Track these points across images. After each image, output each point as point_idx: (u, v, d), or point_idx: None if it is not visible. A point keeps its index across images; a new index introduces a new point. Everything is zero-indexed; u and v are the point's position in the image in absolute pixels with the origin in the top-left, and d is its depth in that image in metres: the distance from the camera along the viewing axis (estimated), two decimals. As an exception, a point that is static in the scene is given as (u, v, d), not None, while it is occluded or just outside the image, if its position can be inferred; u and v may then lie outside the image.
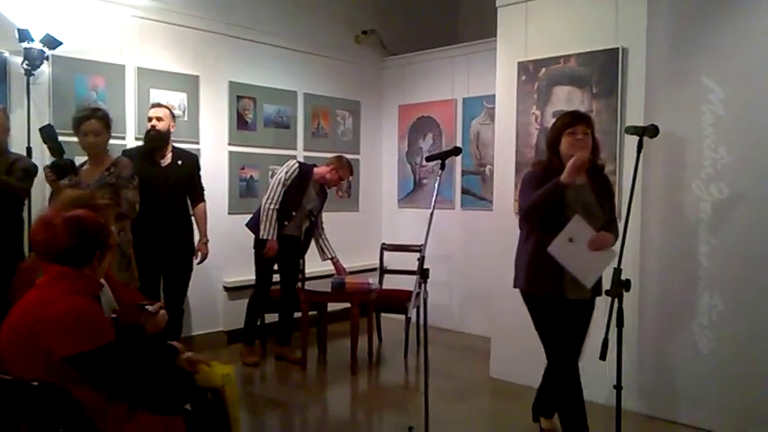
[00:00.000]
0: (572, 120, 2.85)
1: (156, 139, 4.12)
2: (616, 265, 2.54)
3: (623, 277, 2.55)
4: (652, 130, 2.65)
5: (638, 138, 2.72)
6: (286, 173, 4.55)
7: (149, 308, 2.46)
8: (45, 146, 3.59)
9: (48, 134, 3.52)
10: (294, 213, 4.58)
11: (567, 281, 2.85)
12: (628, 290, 2.56)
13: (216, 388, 2.34)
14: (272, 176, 4.96)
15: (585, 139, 2.82)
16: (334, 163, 4.70)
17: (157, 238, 4.04)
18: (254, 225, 4.62)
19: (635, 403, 3.60)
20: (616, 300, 2.54)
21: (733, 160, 3.32)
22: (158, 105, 4.24)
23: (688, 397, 3.47)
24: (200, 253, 4.33)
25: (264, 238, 4.47)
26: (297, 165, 4.62)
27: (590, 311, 3.01)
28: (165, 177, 4.11)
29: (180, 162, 4.22)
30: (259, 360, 4.68)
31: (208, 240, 4.37)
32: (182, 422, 2.14)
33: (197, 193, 4.38)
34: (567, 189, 2.74)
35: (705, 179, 3.39)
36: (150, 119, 4.12)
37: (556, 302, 2.89)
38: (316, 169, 4.69)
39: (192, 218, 4.35)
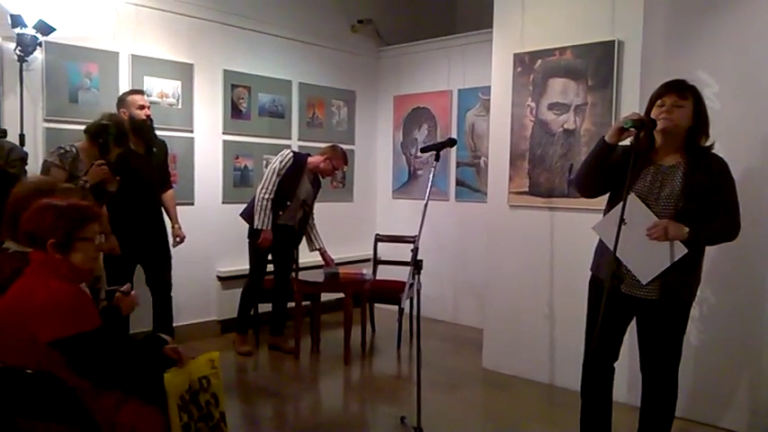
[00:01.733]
0: (663, 90, 2.53)
1: (152, 129, 4.07)
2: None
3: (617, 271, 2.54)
4: (650, 124, 2.62)
5: (635, 131, 2.70)
6: (280, 162, 4.54)
7: (122, 289, 2.47)
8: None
9: (108, 132, 3.55)
10: (288, 203, 4.58)
11: (624, 270, 2.57)
12: (621, 282, 2.56)
13: (206, 375, 2.35)
14: (266, 166, 4.95)
15: (675, 111, 2.48)
16: (328, 152, 4.69)
17: (140, 228, 3.98)
18: (248, 215, 4.61)
19: (625, 395, 3.62)
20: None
21: (728, 155, 3.30)
22: (143, 92, 4.15)
23: (681, 389, 3.48)
24: (177, 238, 4.26)
25: (259, 228, 4.47)
26: (291, 154, 4.61)
27: (660, 315, 2.59)
28: (146, 167, 4.04)
29: (155, 149, 4.13)
30: (252, 349, 4.69)
31: (180, 225, 4.30)
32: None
33: (167, 180, 4.31)
34: (611, 150, 2.50)
35: (699, 173, 3.39)
36: (143, 107, 4.00)
37: (611, 292, 2.49)
38: (310, 159, 4.68)
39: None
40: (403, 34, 6.31)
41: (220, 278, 5.10)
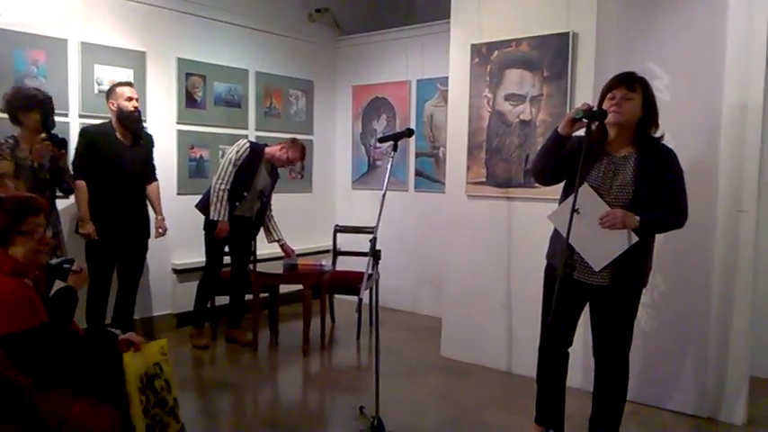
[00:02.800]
0: (613, 82, 2.61)
1: (140, 121, 4.12)
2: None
3: (569, 259, 2.59)
4: (601, 115, 2.67)
5: (587, 122, 2.75)
6: (237, 152, 4.47)
7: (73, 267, 2.43)
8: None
9: (51, 107, 3.61)
10: (245, 194, 4.52)
11: (577, 258, 2.67)
12: (575, 269, 2.61)
13: (158, 362, 2.34)
14: (222, 156, 4.88)
15: (625, 104, 2.56)
16: (285, 143, 4.65)
17: (121, 221, 4.04)
18: (203, 206, 4.54)
19: (580, 380, 3.70)
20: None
21: (677, 144, 3.38)
22: (132, 84, 4.19)
23: (631, 373, 3.58)
24: (160, 229, 4.33)
25: (215, 219, 4.40)
26: (248, 144, 4.55)
27: (611, 301, 2.69)
28: (132, 158, 4.09)
29: (142, 141, 4.18)
30: (209, 343, 4.62)
31: (164, 217, 4.37)
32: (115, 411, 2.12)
33: (152, 172, 4.36)
34: (564, 140, 2.58)
35: (650, 163, 3.48)
36: (131, 98, 4.02)
37: (564, 280, 2.56)
38: (267, 149, 4.63)
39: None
40: (361, 24, 6.27)
41: (176, 271, 5.00)
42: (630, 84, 2.58)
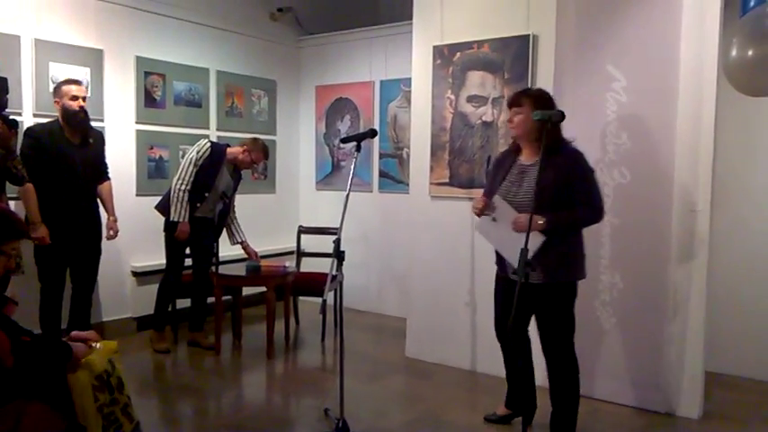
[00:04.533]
0: (507, 102, 3.00)
1: (86, 121, 3.97)
2: (522, 246, 2.61)
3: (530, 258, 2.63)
4: (557, 116, 2.73)
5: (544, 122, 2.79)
6: (197, 152, 4.40)
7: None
8: None
9: (2, 87, 3.50)
10: (207, 195, 4.45)
11: (507, 262, 2.94)
12: (534, 270, 2.65)
13: (112, 363, 2.31)
14: (182, 157, 4.79)
15: (515, 119, 2.93)
16: (248, 144, 4.58)
17: (73, 223, 3.93)
18: (163, 207, 4.45)
19: (542, 378, 3.75)
20: (523, 280, 2.60)
21: (633, 146, 3.49)
22: (79, 82, 4.04)
23: (592, 371, 3.65)
24: (111, 231, 4.20)
25: (175, 220, 4.33)
26: (209, 144, 4.48)
27: (547, 296, 2.90)
28: (82, 158, 3.97)
29: (91, 140, 4.06)
30: (170, 346, 4.54)
31: (116, 218, 4.24)
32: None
33: (104, 171, 4.25)
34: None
35: (608, 163, 3.55)
36: (76, 97, 3.89)
37: (503, 282, 3.03)
38: (229, 149, 4.56)
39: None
40: (324, 24, 6.24)
41: (135, 273, 4.90)
42: (517, 100, 2.94)
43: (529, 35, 3.84)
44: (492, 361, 4.04)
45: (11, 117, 3.54)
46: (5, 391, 1.94)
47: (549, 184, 2.77)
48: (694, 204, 3.36)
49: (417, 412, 3.53)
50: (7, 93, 3.50)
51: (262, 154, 4.62)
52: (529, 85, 3.83)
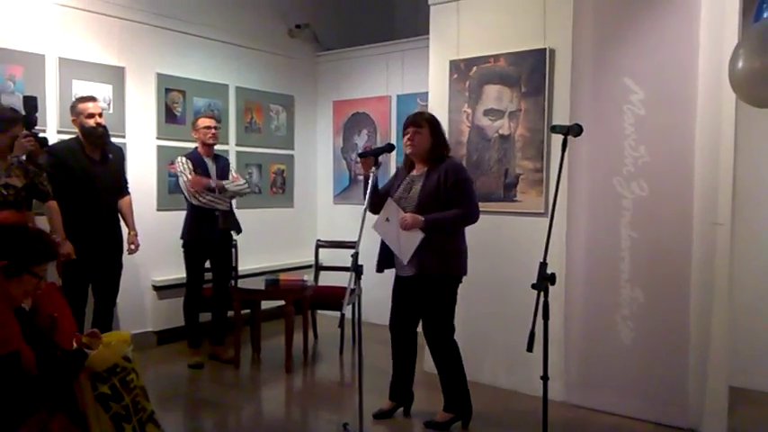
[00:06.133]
0: (406, 122, 3.41)
1: (105, 136, 4.02)
2: (542, 259, 2.60)
3: (549, 271, 2.62)
4: (576, 129, 2.74)
5: (563, 136, 2.80)
6: (182, 170, 4.43)
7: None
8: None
9: (33, 105, 3.60)
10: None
11: (396, 258, 3.38)
12: (553, 283, 2.63)
13: (127, 356, 2.30)
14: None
15: (414, 137, 3.35)
16: (196, 131, 4.58)
17: (95, 239, 3.97)
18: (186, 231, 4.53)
19: (561, 392, 3.72)
20: (542, 293, 2.60)
21: (652, 159, 3.47)
22: (95, 99, 4.08)
23: (611, 385, 3.62)
24: (132, 245, 4.25)
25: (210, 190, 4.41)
26: (183, 157, 4.50)
27: (423, 288, 3.32)
28: (103, 174, 4.02)
29: (111, 156, 4.11)
30: (204, 361, 4.55)
31: (137, 233, 4.29)
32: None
33: (124, 187, 4.31)
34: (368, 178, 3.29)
35: (627, 176, 3.53)
36: (92, 115, 3.94)
37: (397, 280, 3.47)
38: (198, 148, 4.58)
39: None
40: (341, 39, 6.31)
41: (156, 287, 4.95)
42: (417, 122, 3.36)
43: (545, 49, 3.85)
44: (525, 378, 4.02)
45: (40, 135, 3.61)
46: (30, 404, 1.96)
47: (432, 188, 3.28)
48: (715, 217, 3.32)
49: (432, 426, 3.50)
50: (37, 111, 3.57)
51: (206, 120, 4.60)
52: (546, 99, 3.84)
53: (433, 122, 3.40)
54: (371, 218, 3.30)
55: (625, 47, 3.53)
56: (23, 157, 3.45)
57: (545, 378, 2.70)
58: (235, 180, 4.58)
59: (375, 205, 3.39)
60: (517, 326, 3.92)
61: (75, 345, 2.24)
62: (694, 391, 3.40)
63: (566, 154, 2.77)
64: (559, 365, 3.63)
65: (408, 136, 3.35)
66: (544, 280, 2.55)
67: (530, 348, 2.50)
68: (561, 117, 3.75)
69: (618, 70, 3.55)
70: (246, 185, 4.66)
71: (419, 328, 3.48)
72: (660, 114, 3.44)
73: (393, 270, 3.50)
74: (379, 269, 3.51)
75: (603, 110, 3.60)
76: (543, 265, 2.55)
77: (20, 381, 1.94)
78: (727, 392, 3.39)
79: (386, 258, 3.46)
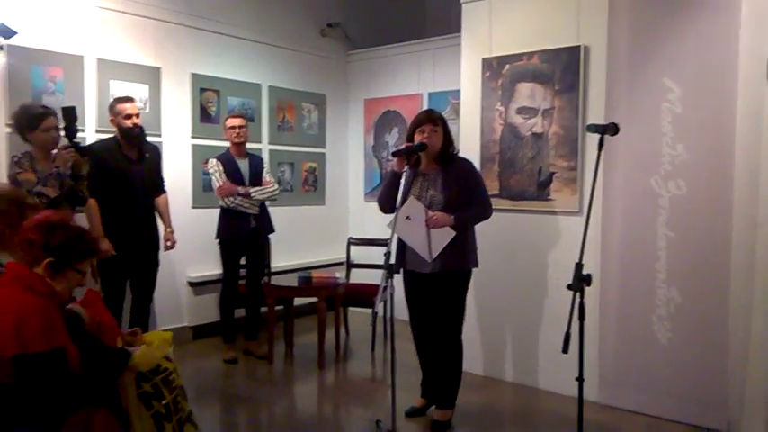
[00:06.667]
0: (421, 118, 3.38)
1: (141, 136, 4.10)
2: (577, 260, 2.59)
3: (585, 272, 2.60)
4: (612, 129, 2.71)
5: (599, 135, 2.78)
6: (213, 172, 4.53)
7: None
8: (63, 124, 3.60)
9: (73, 115, 3.59)
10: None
11: (409, 256, 3.40)
12: (589, 284, 2.62)
13: (168, 356, 2.34)
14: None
15: (431, 135, 3.31)
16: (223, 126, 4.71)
17: (132, 236, 4.05)
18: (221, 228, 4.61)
19: (596, 393, 3.69)
20: (578, 294, 2.59)
21: (690, 157, 3.42)
22: (132, 99, 4.15)
23: (647, 387, 3.58)
24: (168, 242, 4.33)
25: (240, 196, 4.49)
26: (214, 159, 4.60)
27: (441, 285, 3.34)
28: (140, 172, 4.10)
29: (147, 155, 4.19)
30: (238, 356, 4.63)
31: (173, 230, 4.38)
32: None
33: (161, 185, 4.38)
34: (400, 175, 3.23)
35: (663, 175, 3.48)
36: (129, 116, 4.01)
37: (411, 278, 3.48)
38: (230, 147, 4.66)
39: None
40: (372, 38, 6.32)
41: (191, 283, 5.04)
42: (434, 120, 3.35)
43: (580, 46, 3.81)
44: (547, 375, 4.01)
45: (81, 145, 3.67)
46: (74, 400, 2.02)
47: (452, 187, 3.31)
48: (755, 216, 3.25)
49: (470, 426, 3.51)
50: (76, 120, 3.59)
51: (228, 118, 4.69)
52: (581, 96, 3.81)
53: (444, 121, 3.43)
54: (398, 219, 3.31)
55: (662, 44, 3.48)
56: (66, 170, 3.52)
57: (580, 379, 2.68)
58: (266, 185, 4.62)
59: (393, 204, 3.25)
60: (550, 325, 3.92)
61: (119, 344, 2.29)
62: (732, 392, 3.34)
63: (601, 153, 2.74)
64: (593, 365, 3.60)
65: (426, 134, 3.32)
66: (580, 281, 2.53)
67: (565, 350, 2.49)
68: (596, 115, 3.71)
69: (655, 67, 3.50)
70: (276, 191, 4.68)
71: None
72: (698, 112, 3.38)
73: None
74: (398, 270, 3.46)
75: (640, 107, 3.56)
76: (579, 265, 2.54)
77: (65, 377, 1.99)
78: (766, 393, 3.32)
79: (401, 258, 3.47)
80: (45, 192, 3.44)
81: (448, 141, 3.40)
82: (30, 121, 3.56)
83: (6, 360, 1.90)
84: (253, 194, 4.52)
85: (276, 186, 4.67)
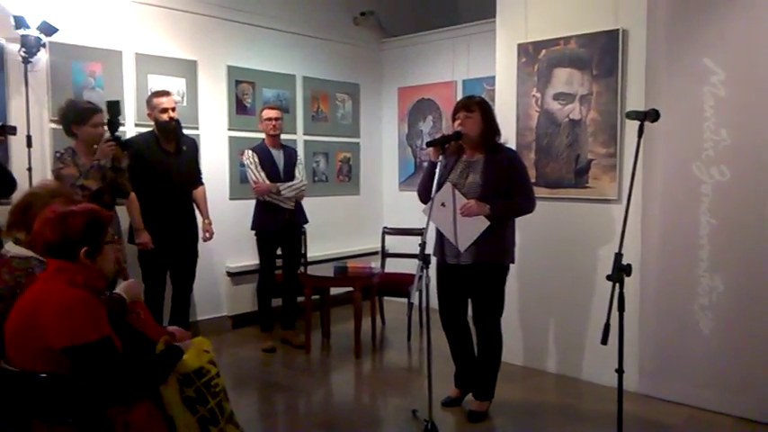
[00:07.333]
0: (457, 107, 3.35)
1: (177, 130, 4.16)
2: (617, 250, 2.54)
3: (624, 262, 2.55)
4: (653, 115, 2.64)
5: (638, 122, 2.71)
6: (248, 164, 4.57)
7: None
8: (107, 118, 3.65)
9: (117, 109, 3.63)
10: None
11: (447, 246, 3.35)
12: (629, 275, 2.55)
13: (212, 360, 2.35)
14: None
15: (465, 122, 3.26)
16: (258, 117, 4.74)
17: (171, 228, 4.14)
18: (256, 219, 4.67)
19: (636, 384, 3.64)
20: (617, 285, 2.53)
21: (734, 142, 3.31)
22: (168, 93, 4.21)
23: (689, 377, 3.50)
24: (207, 233, 4.41)
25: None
26: (249, 150, 4.64)
27: (477, 277, 3.30)
28: (177, 165, 4.18)
29: (185, 148, 4.25)
30: (276, 345, 4.69)
31: (211, 221, 4.45)
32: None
33: (198, 177, 4.45)
34: (435, 165, 3.17)
35: (706, 161, 3.39)
36: (166, 109, 4.08)
37: (442, 266, 3.43)
38: (265, 139, 4.69)
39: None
40: (406, 26, 6.28)
41: (230, 274, 5.12)
42: (469, 106, 3.30)
43: (618, 30, 3.72)
44: (585, 365, 3.96)
45: (123, 139, 3.73)
46: (117, 393, 2.06)
47: (494, 176, 3.24)
48: (803, 203, 3.14)
49: (507, 416, 3.49)
50: (119, 114, 3.66)
51: (264, 110, 4.69)
52: (620, 81, 3.72)
53: (484, 106, 3.34)
54: (433, 206, 3.28)
55: (704, 26, 3.37)
56: (105, 162, 3.58)
57: (620, 371, 2.63)
58: (297, 180, 4.63)
59: (429, 194, 3.24)
60: (592, 314, 3.87)
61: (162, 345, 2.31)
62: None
63: (641, 141, 2.67)
64: (633, 355, 3.54)
65: (459, 121, 3.28)
66: (620, 271, 2.48)
67: (604, 341, 2.44)
68: (635, 99, 3.63)
69: (697, 50, 3.39)
70: (303, 186, 4.65)
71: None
72: (742, 95, 3.26)
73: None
74: (439, 260, 3.45)
75: (681, 91, 3.45)
76: (619, 255, 2.48)
77: (118, 364, 2.03)
78: (815, 387, 3.23)
79: (440, 247, 3.42)
80: (87, 184, 3.52)
81: (489, 127, 3.32)
82: (79, 114, 3.64)
83: (56, 352, 1.96)
84: (283, 192, 4.56)
85: (303, 181, 4.66)
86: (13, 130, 3.57)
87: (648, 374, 3.66)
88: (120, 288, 2.49)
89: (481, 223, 3.20)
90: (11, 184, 3.52)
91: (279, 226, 4.61)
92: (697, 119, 3.40)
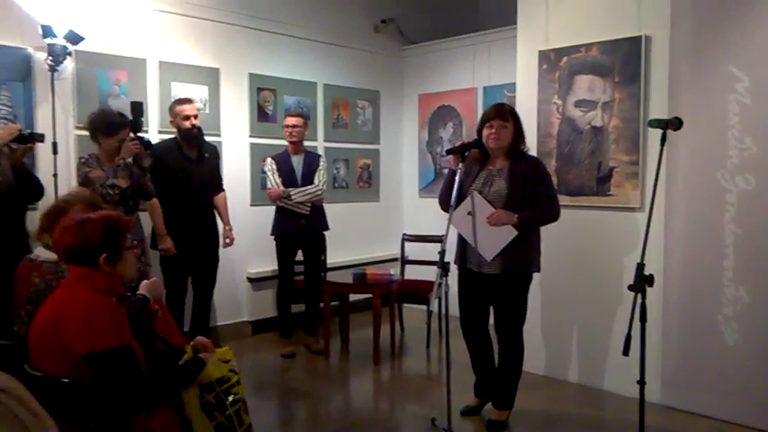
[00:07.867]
0: (491, 113, 3.26)
1: (199, 137, 4.22)
2: (639, 260, 2.51)
3: (646, 272, 2.52)
4: (676, 123, 2.61)
5: (661, 131, 2.68)
6: (268, 172, 4.62)
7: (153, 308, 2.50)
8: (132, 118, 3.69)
9: (140, 110, 3.69)
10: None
11: (470, 254, 3.33)
12: (651, 285, 2.53)
13: (233, 369, 2.35)
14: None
15: (501, 132, 3.21)
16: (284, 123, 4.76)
17: (193, 234, 4.18)
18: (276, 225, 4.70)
19: (659, 395, 3.59)
20: (639, 295, 2.50)
21: (759, 150, 3.26)
22: (191, 101, 4.25)
23: (712, 389, 3.44)
24: (227, 239, 4.44)
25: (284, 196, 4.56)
26: (269, 158, 4.69)
27: (503, 286, 3.27)
28: (199, 172, 4.22)
29: (207, 155, 4.30)
30: (295, 351, 4.71)
31: (232, 227, 4.49)
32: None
33: (219, 183, 4.49)
34: (455, 174, 3.18)
35: (731, 169, 3.34)
36: (188, 117, 4.13)
37: (466, 276, 3.39)
38: (287, 146, 4.72)
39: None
40: (426, 33, 6.29)
41: (250, 279, 5.15)
42: (503, 115, 3.24)
43: (641, 36, 3.69)
44: (604, 375, 3.91)
45: (145, 138, 3.78)
46: (138, 399, 2.08)
47: (519, 185, 3.20)
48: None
49: (526, 425, 3.46)
50: (143, 115, 3.72)
51: (286, 117, 4.72)
52: (642, 88, 3.68)
53: (516, 116, 3.31)
54: (457, 214, 3.27)
55: (730, 33, 3.32)
56: (130, 160, 3.63)
57: (641, 382, 2.60)
58: (313, 185, 4.63)
59: (450, 201, 3.21)
60: (614, 324, 3.82)
61: (188, 352, 2.33)
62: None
63: (664, 149, 2.65)
64: (655, 366, 3.49)
65: (494, 129, 3.21)
66: (642, 281, 2.45)
67: (626, 352, 2.41)
68: (658, 107, 3.59)
69: (721, 58, 3.34)
70: (318, 191, 4.64)
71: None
72: (769, 103, 3.21)
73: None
74: (460, 268, 3.43)
75: (705, 99, 3.41)
76: (641, 265, 2.45)
77: (137, 372, 2.05)
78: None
79: (462, 255, 3.41)
80: (117, 183, 3.56)
81: (519, 137, 3.29)
82: (107, 127, 3.66)
83: (78, 358, 1.98)
84: (294, 197, 4.57)
85: (319, 187, 4.64)
86: (41, 138, 3.63)
87: (671, 385, 3.60)
88: (144, 288, 2.51)
89: (508, 233, 3.16)
90: (38, 190, 3.60)
91: (295, 231, 4.62)
92: (722, 126, 3.35)
